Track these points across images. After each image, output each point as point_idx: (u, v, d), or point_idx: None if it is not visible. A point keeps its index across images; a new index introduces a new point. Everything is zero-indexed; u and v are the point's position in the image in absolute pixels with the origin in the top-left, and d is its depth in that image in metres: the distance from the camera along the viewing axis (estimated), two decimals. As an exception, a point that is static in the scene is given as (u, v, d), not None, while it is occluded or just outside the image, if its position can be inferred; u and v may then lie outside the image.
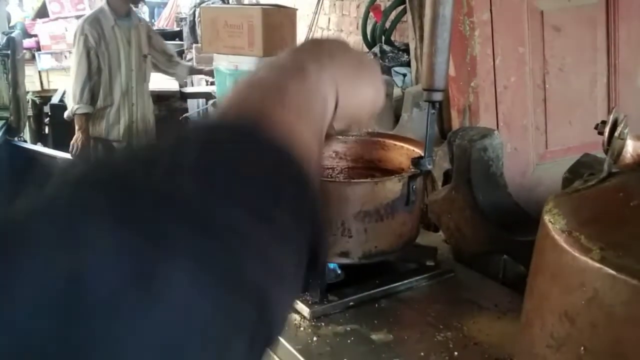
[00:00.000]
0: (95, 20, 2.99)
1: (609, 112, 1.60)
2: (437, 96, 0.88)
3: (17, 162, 3.48)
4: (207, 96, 3.80)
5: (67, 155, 3.33)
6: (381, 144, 1.14)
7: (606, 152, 0.57)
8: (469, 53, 1.46)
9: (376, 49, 1.91)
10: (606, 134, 0.56)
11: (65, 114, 3.16)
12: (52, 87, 4.99)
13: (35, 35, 5.04)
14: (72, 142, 3.15)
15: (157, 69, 3.36)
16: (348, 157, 1.17)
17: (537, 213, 1.57)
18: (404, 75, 1.89)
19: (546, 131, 1.56)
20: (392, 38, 1.95)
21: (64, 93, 4.07)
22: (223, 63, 2.97)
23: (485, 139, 1.10)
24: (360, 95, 0.57)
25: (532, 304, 0.57)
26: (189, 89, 4.04)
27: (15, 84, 3.48)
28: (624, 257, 0.43)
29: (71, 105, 3.08)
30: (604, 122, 0.57)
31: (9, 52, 3.36)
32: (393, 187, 0.91)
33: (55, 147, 3.73)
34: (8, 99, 3.52)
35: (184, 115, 3.68)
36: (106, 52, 3.03)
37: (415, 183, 0.93)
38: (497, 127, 1.51)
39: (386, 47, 1.90)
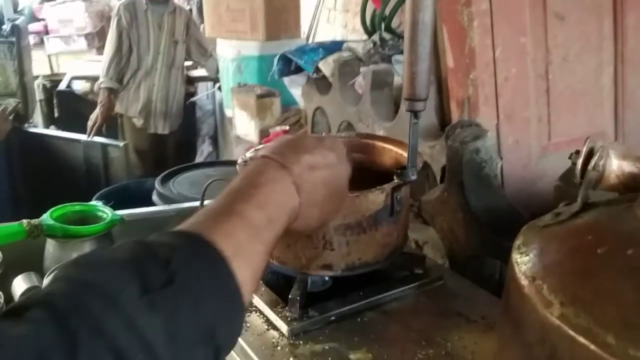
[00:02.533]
0: (130, 4, 3.24)
1: (616, 102, 1.54)
2: (419, 106, 0.84)
3: (27, 148, 3.50)
4: (215, 80, 3.76)
5: (79, 136, 3.34)
6: (370, 146, 1.10)
7: (580, 184, 0.53)
8: (468, 44, 1.41)
9: (375, 37, 1.85)
10: (579, 165, 0.53)
11: (95, 87, 3.53)
12: (61, 70, 5.00)
13: (44, 19, 5.03)
14: (91, 116, 3.37)
15: (190, 57, 3.53)
16: (337, 159, 1.14)
17: (539, 207, 1.53)
18: (405, 63, 1.83)
19: (549, 123, 1.50)
20: (393, 25, 1.89)
21: (70, 79, 4.07)
22: (226, 48, 2.93)
23: (477, 140, 1.06)
24: (321, 208, 0.69)
25: (500, 341, 0.55)
26: (195, 73, 4.00)
27: (22, 71, 3.48)
28: (585, 316, 0.40)
29: (99, 79, 3.36)
30: (577, 152, 0.54)
31: (14, 39, 3.36)
32: (375, 199, 0.88)
33: (66, 130, 3.75)
34: (16, 86, 3.53)
35: (190, 100, 3.65)
36: (136, 34, 3.24)
37: (399, 193, 0.90)
38: (498, 120, 1.46)
39: (386, 35, 1.85)
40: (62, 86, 4.15)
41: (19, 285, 1.15)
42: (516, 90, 1.46)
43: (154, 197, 1.86)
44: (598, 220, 0.49)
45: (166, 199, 1.81)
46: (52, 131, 3.84)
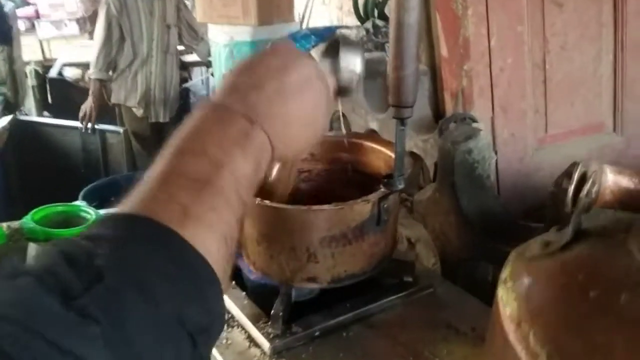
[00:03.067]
0: None
1: (615, 91, 1.49)
2: (406, 112, 0.79)
3: (20, 137, 3.45)
4: (209, 64, 3.69)
5: (75, 124, 3.29)
6: (359, 146, 1.06)
7: (570, 213, 0.49)
8: (462, 34, 1.35)
9: (368, 24, 1.79)
10: (570, 192, 0.48)
11: (86, 76, 3.45)
12: (53, 56, 4.92)
13: (34, 4, 4.93)
14: (82, 107, 3.30)
15: (181, 42, 3.44)
16: (325, 159, 1.10)
17: (535, 201, 1.49)
18: (398, 51, 1.77)
19: (546, 114, 1.45)
20: (387, 11, 1.83)
21: (61, 66, 4.00)
22: (218, 34, 2.86)
23: (469, 140, 1.02)
24: (297, 132, 0.56)
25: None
26: (189, 58, 3.93)
27: (11, 59, 3.42)
28: (571, 375, 0.36)
29: (89, 70, 3.28)
30: (568, 176, 0.49)
31: (2, 26, 3.29)
32: (361, 209, 0.84)
33: (58, 117, 3.70)
34: (5, 74, 3.47)
35: (184, 86, 3.59)
36: (128, 22, 3.15)
37: (386, 202, 0.86)
38: (493, 112, 1.41)
39: (379, 22, 1.78)
40: (53, 73, 4.08)
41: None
42: (512, 81, 1.41)
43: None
44: (591, 255, 0.45)
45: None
46: (47, 119, 3.78)
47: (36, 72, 4.66)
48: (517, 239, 1.01)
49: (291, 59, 0.56)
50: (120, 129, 3.31)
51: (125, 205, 0.41)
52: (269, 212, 0.85)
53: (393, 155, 0.99)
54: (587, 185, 0.48)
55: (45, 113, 4.39)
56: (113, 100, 3.30)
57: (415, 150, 1.48)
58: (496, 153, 1.43)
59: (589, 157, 1.50)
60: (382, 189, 0.84)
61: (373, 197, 0.84)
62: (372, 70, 1.75)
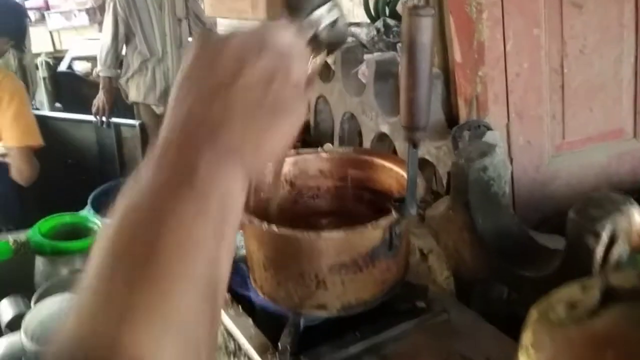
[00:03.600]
0: None
1: (636, 95, 1.43)
2: (419, 135, 0.76)
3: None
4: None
5: (85, 117, 3.28)
6: (369, 163, 1.02)
7: (598, 275, 0.46)
8: (476, 39, 1.31)
9: (379, 24, 1.74)
10: (599, 254, 0.45)
11: (94, 73, 3.49)
12: (64, 47, 4.91)
13: (43, -5, 4.92)
14: (94, 101, 3.28)
15: (190, 34, 3.37)
16: (334, 175, 1.07)
17: (551, 210, 1.44)
18: (410, 51, 1.73)
19: (563, 120, 1.41)
20: (398, 10, 1.78)
21: (71, 59, 3.98)
22: (227, 29, 2.81)
23: (485, 157, 0.98)
24: (273, 145, 0.45)
25: None
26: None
27: (21, 53, 3.40)
28: None
29: (97, 67, 3.26)
30: (596, 235, 0.46)
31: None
32: (371, 236, 0.81)
33: (70, 111, 3.69)
34: (15, 68, 3.46)
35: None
36: (137, 19, 3.10)
37: (398, 226, 0.83)
38: (508, 119, 1.37)
39: (390, 21, 1.73)
40: (62, 67, 4.07)
41: (5, 310, 1.11)
42: (528, 86, 1.36)
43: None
44: (621, 328, 0.41)
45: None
46: (60, 113, 3.76)
47: (47, 63, 4.65)
48: (535, 261, 0.98)
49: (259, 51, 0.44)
50: (136, 122, 3.28)
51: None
52: (275, 237, 0.82)
53: (405, 174, 0.96)
54: (617, 246, 0.45)
55: (57, 104, 4.39)
56: (131, 98, 3.28)
57: (427, 158, 1.44)
58: (511, 161, 1.39)
59: (608, 164, 1.46)
60: (394, 214, 0.81)
61: (384, 222, 0.81)
62: (384, 71, 1.71)
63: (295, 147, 1.11)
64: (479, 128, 1.32)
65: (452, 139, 1.33)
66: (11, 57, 3.44)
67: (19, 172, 2.10)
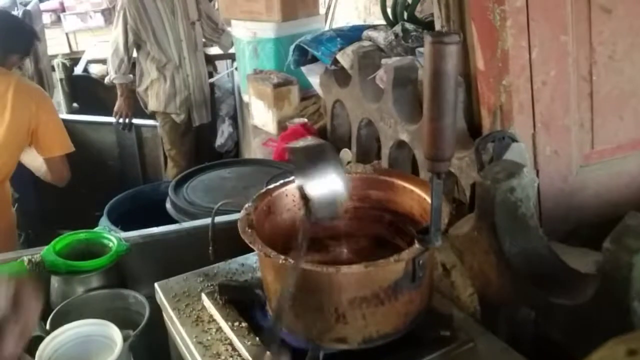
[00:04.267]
0: None
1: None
2: (443, 166, 0.71)
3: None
4: (234, 57, 3.62)
5: (104, 119, 3.27)
6: (389, 184, 0.98)
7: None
8: (500, 47, 1.25)
9: (397, 28, 1.69)
10: (636, 287, 0.40)
11: (106, 80, 3.29)
12: (80, 48, 4.92)
13: (59, -3, 4.93)
14: (115, 110, 3.23)
15: (203, 35, 3.31)
16: (353, 196, 1.02)
17: (579, 222, 1.39)
18: (430, 56, 1.67)
19: (592, 129, 1.35)
20: (417, 13, 1.72)
21: (87, 62, 3.99)
22: (241, 31, 2.78)
23: (512, 178, 0.93)
24: None
25: None
26: (214, 50, 3.86)
27: (37, 57, 3.41)
28: None
29: (110, 74, 3.18)
30: (633, 268, 0.41)
31: (26, 25, 3.26)
32: (394, 269, 0.77)
33: (86, 113, 3.68)
34: (32, 72, 3.47)
35: (209, 81, 3.52)
36: (149, 26, 3.01)
37: (422, 258, 0.79)
38: (534, 129, 1.31)
39: (409, 26, 1.68)
40: (78, 70, 4.07)
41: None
42: (555, 95, 1.31)
43: (168, 206, 1.78)
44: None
45: (179, 209, 1.72)
46: (79, 116, 3.74)
47: (63, 65, 4.66)
48: (566, 286, 0.94)
49: None
50: (156, 123, 3.25)
51: None
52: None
53: (426, 197, 0.92)
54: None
55: (75, 105, 4.40)
56: (151, 108, 3.21)
57: (450, 168, 1.39)
58: (537, 172, 1.34)
59: (639, 174, 1.40)
60: (417, 246, 0.77)
61: (407, 255, 0.77)
62: (402, 78, 1.66)
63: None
64: (504, 140, 1.27)
65: (476, 152, 1.28)
66: (27, 61, 3.45)
67: (60, 175, 2.18)
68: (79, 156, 3.47)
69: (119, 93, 3.17)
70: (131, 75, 3.15)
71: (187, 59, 3.12)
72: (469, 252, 1.06)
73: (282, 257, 0.77)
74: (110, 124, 3.26)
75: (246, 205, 0.90)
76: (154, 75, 3.11)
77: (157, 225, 1.47)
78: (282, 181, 0.96)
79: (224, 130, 3.73)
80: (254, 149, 2.47)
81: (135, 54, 3.13)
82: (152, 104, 3.18)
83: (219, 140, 3.71)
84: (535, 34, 1.25)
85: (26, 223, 2.73)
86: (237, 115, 3.56)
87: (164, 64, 3.08)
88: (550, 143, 1.32)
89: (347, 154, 2.01)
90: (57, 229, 1.67)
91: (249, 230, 0.83)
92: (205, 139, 3.62)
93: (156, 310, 1.10)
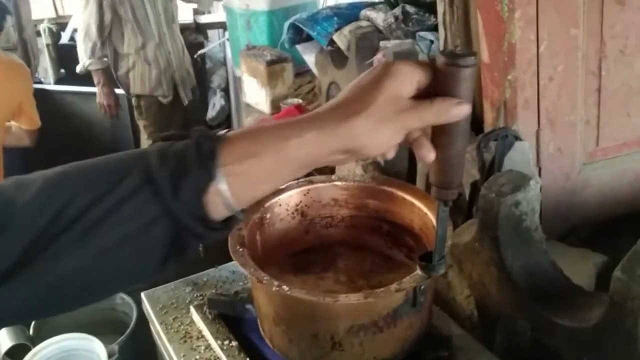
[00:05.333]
0: None
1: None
2: (450, 194, 0.66)
3: (37, 107, 3.35)
4: (226, 26, 3.50)
5: (93, 89, 3.15)
6: (389, 194, 0.94)
7: None
8: (507, 40, 1.19)
9: (397, 11, 1.61)
10: None
11: (78, 69, 2.93)
12: (67, 12, 4.75)
13: (43, -42, 4.72)
14: (97, 102, 2.98)
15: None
16: (350, 204, 0.98)
17: (580, 220, 1.35)
18: (431, 41, 1.60)
19: (598, 125, 1.30)
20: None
21: (73, 31, 3.84)
22: (234, 2, 2.67)
23: (518, 192, 0.88)
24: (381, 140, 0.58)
25: None
26: (205, 18, 3.71)
27: (20, 26, 3.28)
28: None
29: (83, 60, 2.84)
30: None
31: (8, -7, 3.13)
32: (394, 297, 0.73)
33: (72, 83, 3.56)
34: (15, 42, 3.35)
35: (199, 52, 3.41)
36: (127, 2, 2.69)
37: (423, 283, 0.75)
38: (539, 126, 1.26)
39: (410, 9, 1.60)
40: (64, 39, 3.92)
41: (4, 341, 1.05)
42: (562, 90, 1.25)
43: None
44: None
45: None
46: (67, 87, 3.60)
47: (50, 30, 4.51)
48: (570, 306, 0.90)
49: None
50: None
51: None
52: (286, 298, 0.74)
53: (427, 211, 0.87)
54: None
55: (62, 71, 4.26)
56: (135, 91, 2.91)
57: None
58: (540, 170, 1.29)
59: (645, 172, 1.35)
60: (419, 273, 0.73)
61: (408, 284, 0.72)
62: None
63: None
64: (507, 138, 1.22)
65: (477, 150, 1.23)
66: (11, 29, 3.32)
67: (33, 142, 2.18)
68: (69, 127, 3.38)
69: (95, 81, 2.89)
70: (106, 59, 2.85)
71: (166, 35, 2.85)
72: (468, 261, 1.03)
73: (276, 283, 0.72)
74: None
75: (237, 219, 0.85)
76: (133, 57, 2.83)
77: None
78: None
79: (215, 103, 3.64)
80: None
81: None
82: (137, 88, 2.90)
83: (210, 113, 3.62)
84: (545, 27, 1.18)
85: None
86: (229, 88, 3.47)
87: (142, 44, 2.80)
88: (554, 140, 1.27)
89: (347, 176, 1.94)
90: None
91: (240, 250, 0.79)
92: (194, 112, 3.51)
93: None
